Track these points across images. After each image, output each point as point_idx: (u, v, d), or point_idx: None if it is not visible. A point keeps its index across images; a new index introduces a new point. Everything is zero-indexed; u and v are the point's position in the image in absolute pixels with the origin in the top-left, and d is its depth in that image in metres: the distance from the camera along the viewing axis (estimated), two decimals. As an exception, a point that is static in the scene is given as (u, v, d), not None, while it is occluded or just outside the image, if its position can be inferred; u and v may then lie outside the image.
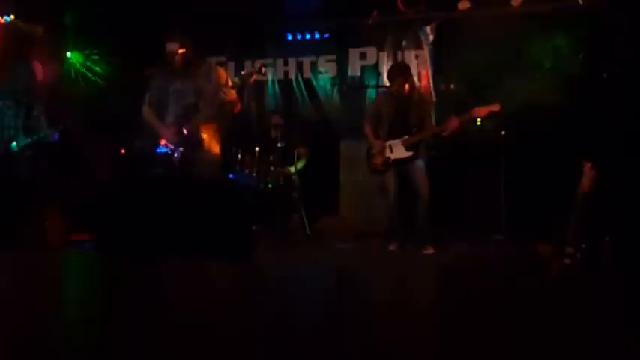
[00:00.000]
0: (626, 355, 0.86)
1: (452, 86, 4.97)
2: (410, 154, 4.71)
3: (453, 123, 4.53)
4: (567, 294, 1.37)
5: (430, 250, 4.65)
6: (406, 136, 4.72)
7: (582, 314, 1.12)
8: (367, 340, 0.94)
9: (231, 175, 5.34)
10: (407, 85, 4.78)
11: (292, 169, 5.66)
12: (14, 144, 4.57)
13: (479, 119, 5.53)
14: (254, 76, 4.33)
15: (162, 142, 4.13)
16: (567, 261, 3.69)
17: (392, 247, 4.79)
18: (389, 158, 4.79)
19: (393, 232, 4.88)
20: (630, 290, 1.36)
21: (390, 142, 4.79)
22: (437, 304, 1.25)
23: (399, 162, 4.77)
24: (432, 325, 1.05)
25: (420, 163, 4.74)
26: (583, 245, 3.66)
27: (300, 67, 6.64)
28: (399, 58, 6.21)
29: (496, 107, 4.42)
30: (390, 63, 6.15)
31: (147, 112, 4.24)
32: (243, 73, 4.27)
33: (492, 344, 0.91)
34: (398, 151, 4.77)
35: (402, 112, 4.79)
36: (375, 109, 5.04)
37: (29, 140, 4.56)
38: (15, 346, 0.87)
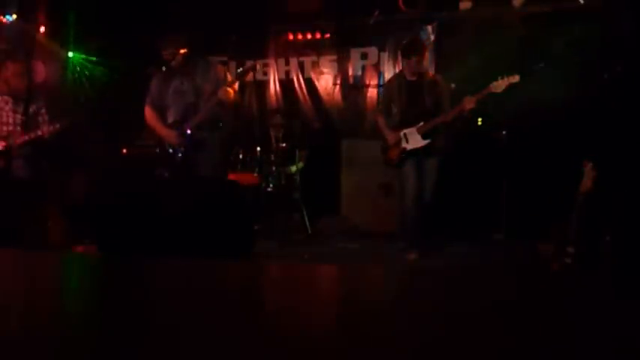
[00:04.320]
0: (626, 355, 0.87)
1: (452, 86, 4.93)
2: (427, 142, 4.37)
3: (469, 103, 4.20)
4: (567, 294, 1.38)
5: (412, 256, 4.37)
6: (421, 123, 4.39)
7: (582, 314, 1.12)
8: (367, 339, 0.95)
9: None
10: (421, 65, 4.46)
11: (293, 168, 5.67)
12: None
13: (480, 119, 5.54)
14: (250, 73, 4.29)
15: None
16: (568, 261, 3.70)
17: (412, 256, 4.39)
18: (404, 149, 4.45)
19: (410, 238, 4.49)
20: (630, 290, 1.36)
21: (405, 130, 4.45)
22: (435, 303, 1.26)
23: (415, 152, 4.43)
24: (432, 324, 1.05)
25: (434, 159, 4.43)
26: (583, 245, 3.66)
27: (301, 66, 6.65)
28: (400, 57, 6.22)
29: (515, 79, 4.15)
30: (391, 62, 6.19)
31: (148, 112, 4.26)
32: (239, 70, 4.27)
33: (492, 344, 0.91)
34: (414, 140, 4.42)
35: (415, 96, 4.44)
36: (386, 95, 4.72)
37: (29, 136, 4.55)
38: (15, 346, 0.88)
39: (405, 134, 4.47)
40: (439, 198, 4.50)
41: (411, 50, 4.50)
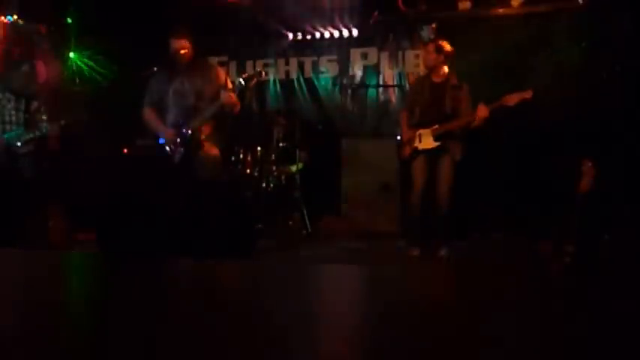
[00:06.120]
0: (625, 353, 0.87)
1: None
2: (437, 144, 4.43)
3: (482, 111, 4.22)
4: (567, 293, 1.38)
5: (443, 252, 4.40)
6: (436, 125, 4.44)
7: (582, 314, 1.13)
8: (367, 339, 0.96)
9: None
10: (445, 68, 4.51)
11: (293, 168, 5.67)
12: (12, 134, 4.57)
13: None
14: (255, 80, 4.31)
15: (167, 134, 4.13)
16: (567, 260, 3.70)
17: (414, 253, 4.48)
18: (416, 148, 4.52)
19: (413, 235, 4.58)
20: (629, 290, 1.37)
21: (421, 130, 4.51)
22: (436, 303, 1.27)
23: (426, 152, 4.48)
24: (432, 324, 1.06)
25: (447, 160, 4.44)
26: (583, 244, 3.67)
27: (301, 66, 6.66)
28: (400, 57, 6.23)
29: (528, 95, 4.13)
30: (391, 62, 6.20)
31: (147, 112, 4.27)
32: (244, 76, 4.27)
33: (492, 343, 0.92)
34: (426, 140, 4.49)
35: (436, 98, 4.49)
36: (411, 94, 4.81)
37: (31, 135, 4.57)
38: (16, 345, 0.88)
39: (419, 134, 4.53)
40: (454, 201, 4.46)
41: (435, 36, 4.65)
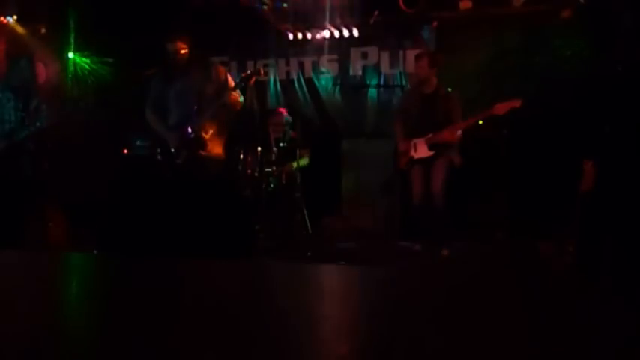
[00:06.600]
0: (625, 355, 0.87)
1: (449, 89, 4.91)
2: (432, 153, 4.58)
3: (450, 135, 4.44)
4: (568, 293, 1.38)
5: (443, 252, 4.52)
6: (430, 134, 4.57)
7: (582, 314, 1.13)
8: (368, 340, 0.95)
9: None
10: (434, 79, 4.63)
11: (295, 165, 5.65)
12: (11, 132, 4.58)
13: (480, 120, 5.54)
14: (254, 78, 4.32)
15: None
16: (568, 260, 3.70)
17: (416, 247, 4.70)
18: (412, 157, 4.67)
19: (416, 232, 4.78)
20: (630, 290, 1.36)
21: (415, 140, 4.65)
22: (437, 303, 1.26)
23: (422, 161, 4.63)
24: (432, 324, 1.05)
25: (442, 165, 4.57)
26: (584, 244, 3.66)
27: (301, 66, 6.66)
28: (401, 57, 6.23)
29: (517, 103, 4.26)
30: (390, 62, 6.20)
31: (150, 114, 4.26)
32: (243, 75, 4.29)
33: (492, 343, 0.92)
34: (421, 150, 4.63)
35: (428, 108, 4.62)
36: (404, 104, 4.93)
37: (27, 132, 4.57)
38: (16, 345, 0.88)
39: (414, 144, 4.66)
40: (447, 199, 4.55)
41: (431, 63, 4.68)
